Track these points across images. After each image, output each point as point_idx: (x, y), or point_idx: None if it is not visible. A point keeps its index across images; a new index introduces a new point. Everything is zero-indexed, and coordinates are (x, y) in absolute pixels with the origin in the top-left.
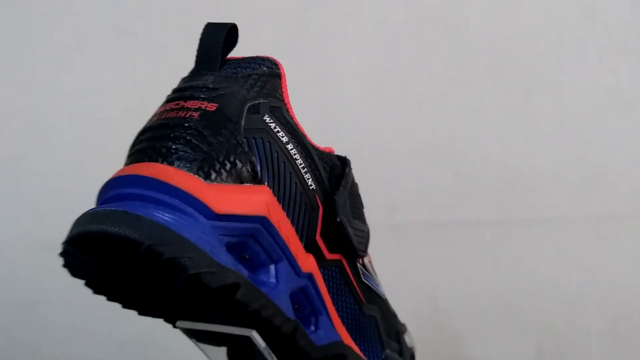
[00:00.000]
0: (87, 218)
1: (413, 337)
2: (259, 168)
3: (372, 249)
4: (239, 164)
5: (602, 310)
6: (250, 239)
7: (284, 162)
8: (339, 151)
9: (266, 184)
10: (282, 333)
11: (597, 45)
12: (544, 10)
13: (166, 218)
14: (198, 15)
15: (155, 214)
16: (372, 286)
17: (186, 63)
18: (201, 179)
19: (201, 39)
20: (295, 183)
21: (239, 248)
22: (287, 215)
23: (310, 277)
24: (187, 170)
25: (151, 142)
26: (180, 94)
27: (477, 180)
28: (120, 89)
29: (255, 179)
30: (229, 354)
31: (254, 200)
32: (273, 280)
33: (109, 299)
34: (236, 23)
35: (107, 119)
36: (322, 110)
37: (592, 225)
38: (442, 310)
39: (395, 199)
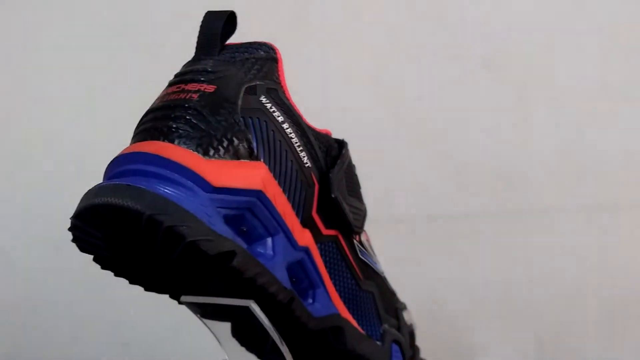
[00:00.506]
0: (93, 193)
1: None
2: (255, 145)
3: (372, 242)
4: (236, 141)
5: (598, 299)
6: (247, 212)
7: (280, 141)
8: None
9: (262, 160)
10: (279, 302)
11: (590, 37)
12: (537, 3)
13: (166, 190)
14: (196, 17)
15: (157, 187)
16: (369, 263)
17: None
18: (200, 155)
19: (201, 26)
20: (291, 161)
21: (237, 221)
22: (284, 191)
23: (307, 250)
24: (187, 147)
25: (154, 122)
26: (181, 77)
27: (474, 173)
28: (120, 91)
29: (252, 156)
30: (233, 330)
31: (250, 174)
32: (270, 252)
33: (116, 274)
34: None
35: (108, 119)
36: (320, 106)
37: (587, 215)
38: (441, 302)
39: (394, 192)
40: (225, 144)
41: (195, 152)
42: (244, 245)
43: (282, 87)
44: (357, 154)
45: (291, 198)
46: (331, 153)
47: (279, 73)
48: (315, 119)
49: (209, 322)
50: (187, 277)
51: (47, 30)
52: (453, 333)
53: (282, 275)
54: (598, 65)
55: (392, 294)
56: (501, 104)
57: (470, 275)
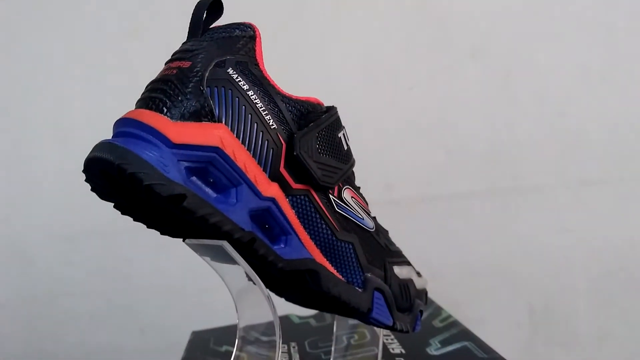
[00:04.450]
0: (92, 149)
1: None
2: (217, 111)
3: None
4: (199, 107)
5: (586, 269)
6: (209, 165)
7: (244, 106)
8: None
9: (223, 122)
10: (238, 240)
11: (569, 24)
12: None
13: (135, 146)
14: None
15: (128, 143)
16: (350, 217)
17: None
18: (168, 117)
19: (192, 14)
20: (256, 123)
21: (202, 173)
22: (248, 149)
23: (273, 201)
24: (159, 112)
25: (145, 94)
26: (172, 57)
27: (466, 155)
28: (130, 89)
29: (213, 118)
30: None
31: (208, 133)
32: (234, 200)
33: (135, 219)
34: (240, 18)
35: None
36: (320, 98)
37: (572, 190)
38: (438, 278)
39: (392, 177)
40: (190, 109)
41: (165, 116)
42: (213, 195)
43: (255, 59)
44: (357, 144)
45: (256, 155)
46: (309, 117)
47: (256, 48)
48: None
49: (217, 265)
50: (173, 220)
51: (60, 33)
52: (451, 307)
53: (240, 219)
54: (577, 49)
55: (384, 249)
56: (488, 90)
57: (465, 251)
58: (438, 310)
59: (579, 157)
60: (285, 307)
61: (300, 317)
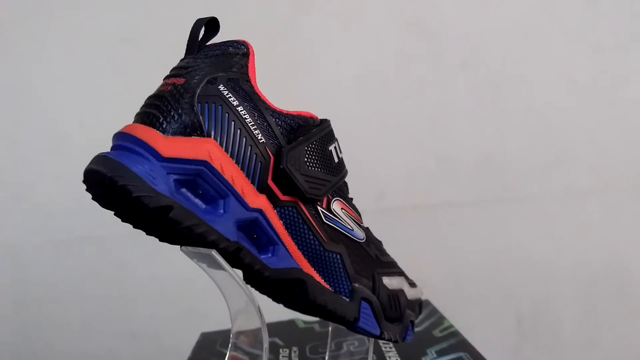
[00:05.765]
0: (89, 162)
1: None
2: (206, 126)
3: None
4: (189, 122)
5: (573, 278)
6: (198, 178)
7: (233, 121)
8: None
9: (212, 136)
10: (224, 250)
11: (558, 40)
12: (508, 9)
13: (127, 159)
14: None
15: (121, 156)
16: (339, 228)
17: None
18: (160, 132)
19: (189, 32)
20: (245, 137)
21: (192, 185)
22: (236, 162)
23: (260, 212)
24: (151, 127)
25: (142, 109)
26: (169, 74)
27: (456, 165)
28: (126, 96)
29: (203, 133)
30: (245, 276)
31: (197, 147)
32: (221, 211)
33: (134, 226)
34: (232, 29)
35: (115, 124)
36: (313, 109)
37: (559, 200)
38: (428, 286)
39: (383, 186)
40: (181, 124)
41: (157, 131)
42: (203, 206)
43: (247, 76)
44: (349, 154)
45: (244, 168)
46: (299, 131)
47: (249, 65)
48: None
49: (212, 271)
50: (165, 229)
51: (56, 37)
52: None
53: (225, 229)
54: (565, 64)
55: (372, 259)
56: (478, 102)
57: (455, 259)
58: (440, 319)
59: (566, 167)
60: (292, 312)
61: (305, 322)
